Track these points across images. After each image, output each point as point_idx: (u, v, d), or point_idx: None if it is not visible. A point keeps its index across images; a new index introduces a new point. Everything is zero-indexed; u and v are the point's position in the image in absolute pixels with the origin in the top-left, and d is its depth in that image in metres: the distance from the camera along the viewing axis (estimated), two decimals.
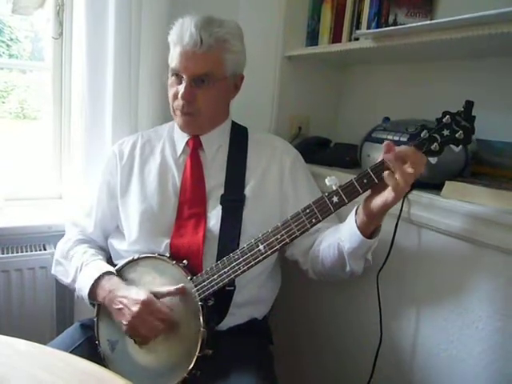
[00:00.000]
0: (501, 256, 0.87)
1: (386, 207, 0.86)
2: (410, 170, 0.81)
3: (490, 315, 0.91)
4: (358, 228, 0.92)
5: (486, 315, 0.91)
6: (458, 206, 0.93)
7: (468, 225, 0.92)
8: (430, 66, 1.32)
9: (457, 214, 0.93)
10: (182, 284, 0.99)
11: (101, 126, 1.38)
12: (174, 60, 1.07)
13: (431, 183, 1.01)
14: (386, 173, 0.84)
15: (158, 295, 0.99)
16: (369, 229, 0.92)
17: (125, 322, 0.97)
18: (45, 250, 1.46)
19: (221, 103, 1.15)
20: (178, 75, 1.08)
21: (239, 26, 1.12)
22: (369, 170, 0.87)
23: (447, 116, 0.85)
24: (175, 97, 1.09)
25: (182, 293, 0.98)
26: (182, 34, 1.04)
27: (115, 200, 1.18)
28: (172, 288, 0.99)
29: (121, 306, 0.98)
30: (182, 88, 1.06)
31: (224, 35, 1.05)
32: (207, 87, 1.07)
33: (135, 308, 0.96)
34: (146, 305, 0.96)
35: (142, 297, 0.96)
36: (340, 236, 0.98)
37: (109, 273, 1.06)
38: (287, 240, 0.93)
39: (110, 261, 1.17)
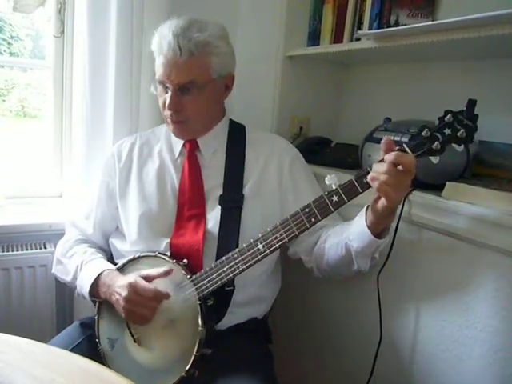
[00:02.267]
0: (501, 257, 0.88)
1: (386, 208, 0.85)
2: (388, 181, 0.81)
3: (490, 316, 0.91)
4: (368, 228, 0.92)
5: (487, 316, 0.91)
6: (458, 206, 0.93)
7: (469, 226, 0.92)
8: (432, 67, 1.32)
9: (458, 215, 0.93)
10: (167, 266, 1.00)
11: (102, 124, 1.38)
12: (158, 70, 1.06)
13: (432, 184, 1.01)
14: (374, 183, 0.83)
15: (148, 278, 1.00)
16: (378, 228, 0.92)
17: (121, 310, 0.99)
18: (45, 248, 1.47)
19: (211, 107, 1.12)
20: (164, 85, 1.07)
21: (223, 26, 1.09)
22: (369, 170, 0.86)
23: (449, 115, 0.84)
24: (164, 106, 1.08)
25: (168, 273, 1.00)
26: (161, 43, 1.02)
27: (114, 201, 1.18)
28: (161, 270, 1.00)
29: (117, 296, 1.00)
30: (168, 98, 1.05)
31: (205, 39, 1.02)
32: (194, 94, 1.05)
33: (124, 292, 0.98)
34: (132, 287, 0.97)
35: (128, 280, 0.98)
36: (348, 235, 0.98)
37: (108, 270, 1.06)
38: (286, 239, 0.93)
39: (110, 260, 1.17)
